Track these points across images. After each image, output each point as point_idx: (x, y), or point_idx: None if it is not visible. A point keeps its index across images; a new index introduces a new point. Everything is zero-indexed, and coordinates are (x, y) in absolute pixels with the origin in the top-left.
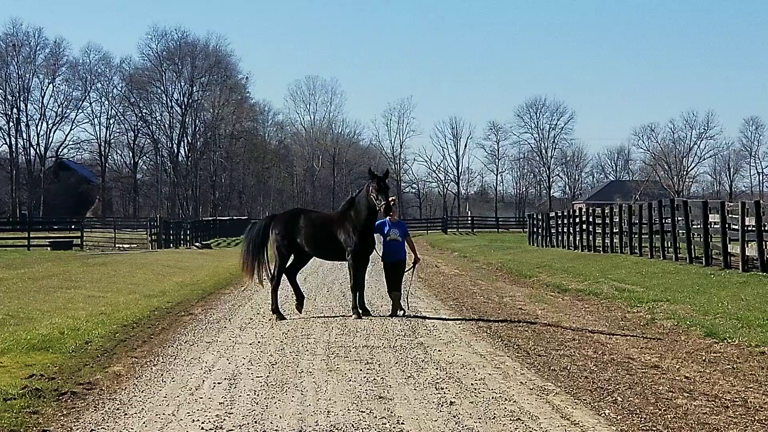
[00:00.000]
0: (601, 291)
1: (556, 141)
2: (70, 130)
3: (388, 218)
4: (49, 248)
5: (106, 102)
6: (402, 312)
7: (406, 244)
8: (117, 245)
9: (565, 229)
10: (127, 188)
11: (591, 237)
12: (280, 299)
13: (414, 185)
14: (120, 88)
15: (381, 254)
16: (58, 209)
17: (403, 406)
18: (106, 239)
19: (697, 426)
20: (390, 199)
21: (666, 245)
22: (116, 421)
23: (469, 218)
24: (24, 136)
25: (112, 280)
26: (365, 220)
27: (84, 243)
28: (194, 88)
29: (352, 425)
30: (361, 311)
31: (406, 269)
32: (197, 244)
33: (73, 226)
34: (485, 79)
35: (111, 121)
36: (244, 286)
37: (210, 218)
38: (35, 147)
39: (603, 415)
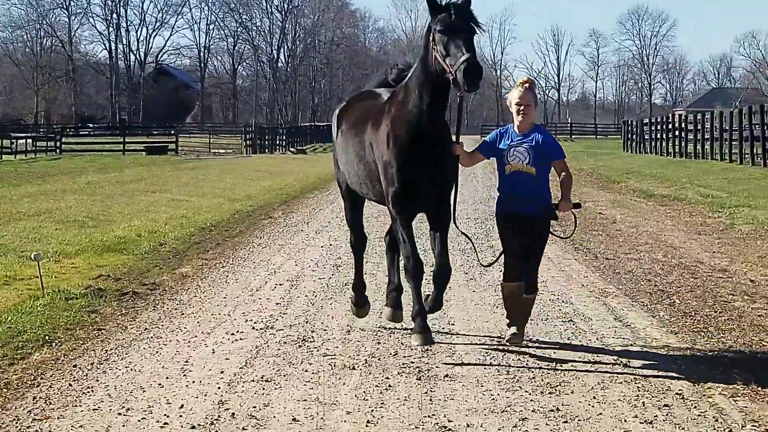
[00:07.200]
0: (685, 196)
1: (657, 48)
2: (170, 35)
3: (513, 124)
4: (143, 153)
5: (206, 8)
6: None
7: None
8: (212, 150)
9: (658, 136)
10: (226, 94)
11: (683, 143)
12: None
13: None
14: None
15: (497, 201)
16: (158, 115)
17: (458, 308)
18: (202, 144)
19: (749, 327)
20: (525, 80)
21: (755, 152)
22: (171, 321)
23: (568, 125)
24: (124, 41)
25: (200, 185)
26: (419, 114)
27: (179, 148)
28: None
29: (402, 325)
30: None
31: (555, 229)
32: (292, 149)
33: (172, 132)
34: None
35: (210, 27)
36: (329, 190)
37: (307, 124)
38: (135, 52)
39: (657, 317)
